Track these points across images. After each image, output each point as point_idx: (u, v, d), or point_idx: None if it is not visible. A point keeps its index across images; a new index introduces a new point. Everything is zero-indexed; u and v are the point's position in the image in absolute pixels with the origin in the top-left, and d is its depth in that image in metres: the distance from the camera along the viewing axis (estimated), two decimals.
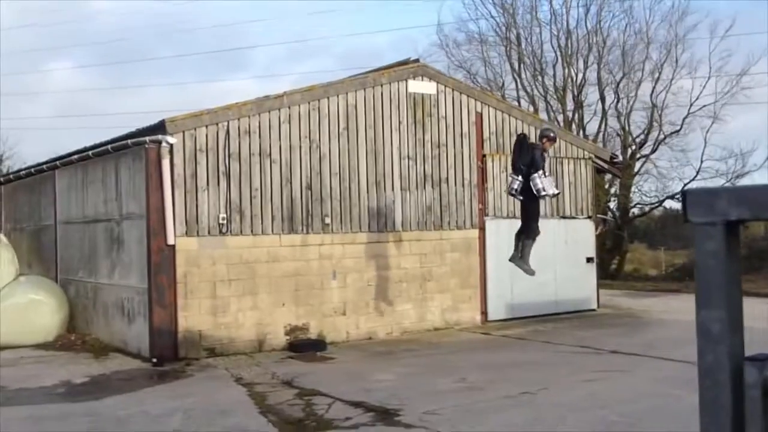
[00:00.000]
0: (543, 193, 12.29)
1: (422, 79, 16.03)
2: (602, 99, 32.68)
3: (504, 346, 14.06)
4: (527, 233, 12.93)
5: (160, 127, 12.96)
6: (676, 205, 35.05)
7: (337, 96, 14.87)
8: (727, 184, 26.03)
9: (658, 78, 31.60)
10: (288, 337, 14.04)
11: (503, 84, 34.44)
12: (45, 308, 15.22)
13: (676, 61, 31.21)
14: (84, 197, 15.85)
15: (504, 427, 8.19)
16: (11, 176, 21.21)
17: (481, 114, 16.90)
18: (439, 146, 16.18)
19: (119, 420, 8.93)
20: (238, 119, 13.70)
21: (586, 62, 32.90)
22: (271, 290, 13.93)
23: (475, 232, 16.69)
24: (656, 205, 35.09)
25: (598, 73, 32.49)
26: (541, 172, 12.21)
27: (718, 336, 1.55)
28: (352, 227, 14.91)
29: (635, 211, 35.37)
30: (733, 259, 1.58)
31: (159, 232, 12.86)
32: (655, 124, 32.16)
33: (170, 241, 12.89)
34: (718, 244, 1.57)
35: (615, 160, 20.56)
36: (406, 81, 15.80)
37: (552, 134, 12.92)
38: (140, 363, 12.82)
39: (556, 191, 12.86)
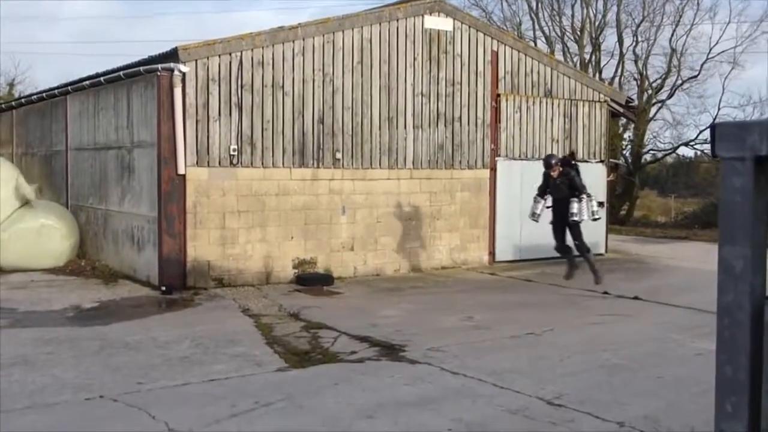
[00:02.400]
0: (575, 219, 12.46)
1: (438, 15, 15.75)
2: (620, 42, 32.17)
3: (510, 287, 14.12)
4: (581, 251, 12.95)
5: (172, 55, 12.82)
6: (689, 152, 34.81)
7: (352, 29, 14.64)
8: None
9: (679, 21, 31.02)
10: (295, 271, 14.12)
11: (520, 23, 33.88)
12: (56, 233, 15.31)
13: (698, 4, 30.64)
14: (95, 124, 15.79)
15: (508, 365, 8.25)
16: (23, 101, 21.11)
17: (497, 53, 16.64)
18: (453, 84, 15.99)
19: (127, 345, 9.04)
20: (252, 50, 13.52)
21: (605, 3, 32.27)
22: (280, 223, 13.96)
23: (486, 173, 16.61)
24: (670, 152, 34.85)
25: (618, 14, 31.91)
26: (584, 196, 12.47)
27: (740, 274, 1.52)
28: (363, 163, 14.84)
29: (647, 157, 35.13)
30: (761, 196, 1.53)
31: (170, 161, 12.84)
32: (673, 69, 31.72)
33: (181, 170, 12.88)
34: (746, 180, 1.52)
35: (630, 105, 20.29)
36: (423, 16, 15.52)
37: (553, 161, 12.88)
38: (149, 291, 12.94)
39: (593, 217, 12.78)
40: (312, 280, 13.75)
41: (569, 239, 12.96)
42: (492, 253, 16.77)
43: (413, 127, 15.45)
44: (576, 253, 13.01)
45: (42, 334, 9.56)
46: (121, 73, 13.95)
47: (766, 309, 1.47)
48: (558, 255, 13.33)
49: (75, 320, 10.63)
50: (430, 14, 15.63)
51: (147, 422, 6.31)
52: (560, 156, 13.58)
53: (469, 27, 16.26)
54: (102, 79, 14.75)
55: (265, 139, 13.73)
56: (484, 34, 16.56)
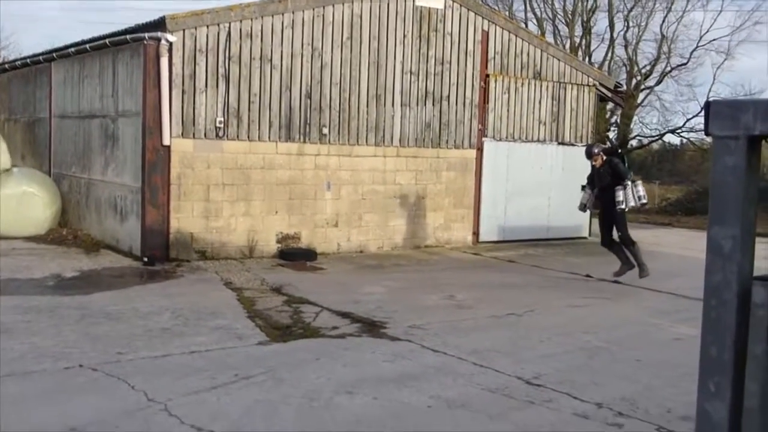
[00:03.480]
0: (621, 207, 12.14)
1: None
2: (611, 26, 32.17)
3: (494, 268, 14.16)
4: (626, 244, 12.65)
5: (159, 24, 12.68)
6: (675, 140, 34.95)
7: (343, 4, 14.52)
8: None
9: (670, 8, 31.02)
10: (279, 245, 14.09)
11: (511, 3, 33.77)
12: (38, 201, 15.18)
13: None
14: (80, 92, 15.62)
15: (489, 344, 8.29)
16: (6, 66, 20.83)
17: (488, 33, 16.57)
18: (442, 63, 15.92)
19: (108, 315, 9.00)
20: (240, 21, 13.39)
21: None
22: (264, 197, 13.90)
23: (473, 153, 16.59)
24: (656, 138, 34.97)
25: None
26: (628, 183, 12.16)
27: (729, 254, 1.51)
28: (350, 139, 14.78)
29: (634, 143, 35.25)
30: (753, 176, 1.52)
31: (155, 132, 12.73)
32: (663, 55, 31.77)
33: (166, 141, 12.78)
34: (739, 159, 1.51)
35: (619, 90, 20.31)
36: None
37: (595, 150, 12.70)
38: (131, 261, 12.87)
39: (639, 203, 12.38)
40: (295, 255, 13.73)
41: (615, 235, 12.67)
42: (476, 233, 16.80)
43: (401, 105, 15.39)
44: (625, 249, 12.71)
45: (22, 302, 9.49)
46: (107, 40, 13.78)
47: (754, 290, 1.46)
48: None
49: (56, 289, 10.57)
50: None
51: (126, 392, 6.29)
52: (605, 145, 13.45)
53: (460, 6, 16.16)
54: (88, 46, 14.57)
55: (252, 112, 13.63)
56: (475, 13, 16.48)
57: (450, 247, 16.17)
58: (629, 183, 12.18)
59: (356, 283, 11.93)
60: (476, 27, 16.38)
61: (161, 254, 12.85)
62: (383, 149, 15.24)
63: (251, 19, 13.50)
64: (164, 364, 7.19)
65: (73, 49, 15.36)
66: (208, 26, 13.07)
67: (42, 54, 17.34)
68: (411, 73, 15.48)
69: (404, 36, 15.33)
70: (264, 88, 13.73)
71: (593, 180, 12.71)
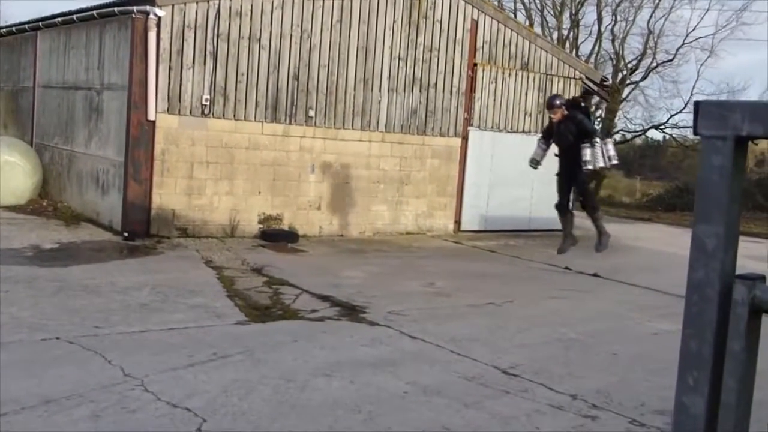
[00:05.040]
0: (588, 167, 10.64)
1: None
2: (599, 20, 32.21)
3: (474, 257, 14.22)
4: (588, 210, 11.55)
5: None
6: (657, 135, 35.16)
7: None
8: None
9: (658, 4, 31.13)
10: (261, 226, 14.06)
11: None
12: (18, 170, 15.05)
13: None
14: (65, 62, 15.46)
15: (467, 332, 8.34)
16: None
17: (477, 21, 16.56)
18: (431, 50, 15.90)
19: (86, 288, 8.96)
20: None
21: None
22: (248, 177, 13.86)
23: (458, 141, 16.61)
24: (639, 133, 35.15)
25: None
26: (597, 140, 10.56)
27: (712, 251, 1.54)
28: (336, 123, 14.75)
29: (617, 137, 35.38)
30: (738, 176, 1.55)
31: (140, 106, 12.64)
32: (649, 51, 31.88)
33: (151, 116, 12.69)
34: (725, 159, 1.54)
35: (605, 84, 20.38)
36: None
37: (556, 102, 10.98)
38: (111, 236, 12.81)
39: (609, 163, 10.86)
40: (277, 237, 13.71)
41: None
42: (458, 222, 16.85)
43: (388, 90, 15.37)
44: (586, 228, 11.38)
45: None
46: (94, 12, 13.65)
47: (735, 287, 1.49)
48: (557, 215, 11.76)
49: (34, 260, 10.50)
50: None
51: (103, 366, 6.29)
52: (568, 97, 11.55)
53: None
54: (75, 17, 14.42)
55: (239, 91, 13.56)
56: (465, 1, 16.44)
57: (431, 234, 16.21)
58: (598, 140, 10.57)
59: (337, 266, 11.95)
60: (466, 15, 16.36)
61: (142, 230, 12.79)
62: (369, 134, 15.23)
63: None
64: (141, 339, 7.19)
65: (59, 19, 15.20)
66: (197, 2, 12.97)
67: (28, 23, 17.13)
68: (399, 58, 15.46)
69: (394, 21, 15.29)
70: (252, 68, 13.66)
71: (550, 135, 11.13)
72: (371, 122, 15.23)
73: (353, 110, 14.95)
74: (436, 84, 16.06)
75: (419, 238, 15.74)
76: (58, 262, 10.43)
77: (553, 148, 11.23)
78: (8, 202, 14.67)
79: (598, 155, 10.49)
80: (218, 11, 13.19)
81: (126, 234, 12.58)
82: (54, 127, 15.96)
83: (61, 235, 12.50)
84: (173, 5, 12.72)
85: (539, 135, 11.52)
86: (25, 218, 13.79)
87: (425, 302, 9.87)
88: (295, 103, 14.19)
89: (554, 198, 11.53)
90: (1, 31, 19.40)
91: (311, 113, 14.38)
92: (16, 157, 15.16)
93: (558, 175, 11.29)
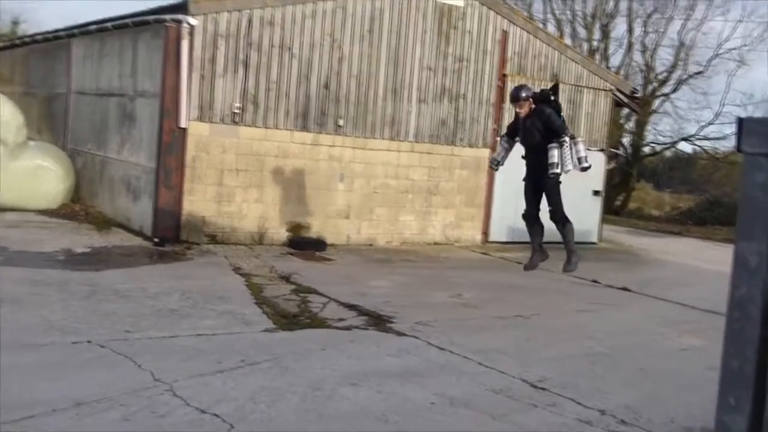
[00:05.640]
0: (555, 171, 9.19)
1: None
2: (630, 31, 32.06)
3: (501, 268, 14.17)
4: (557, 221, 10.00)
5: (182, 7, 12.71)
6: (687, 148, 34.84)
7: None
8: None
9: (690, 15, 30.91)
10: (289, 234, 14.12)
11: (531, 3, 33.67)
12: (52, 175, 15.26)
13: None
14: (99, 69, 15.67)
15: (494, 345, 8.31)
16: (27, 39, 20.91)
17: (507, 32, 16.55)
18: (460, 61, 15.91)
19: (117, 293, 9.05)
20: (262, 8, 13.41)
21: None
22: (277, 185, 13.94)
23: (486, 152, 16.55)
24: (669, 145, 34.85)
25: (630, 3, 31.74)
26: (566, 139, 9.14)
27: (755, 269, 1.53)
28: (365, 132, 14.80)
29: (646, 149, 35.13)
30: None
31: (172, 114, 12.78)
32: (680, 62, 31.64)
33: (182, 123, 12.82)
34: None
35: (635, 95, 20.25)
36: None
37: (522, 94, 9.35)
38: (141, 241, 12.93)
39: (579, 166, 9.28)
40: (305, 245, 13.76)
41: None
42: (485, 233, 16.80)
43: (417, 101, 15.39)
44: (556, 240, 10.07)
45: (32, 275, 9.56)
46: (129, 20, 13.83)
47: None
48: (528, 228, 10.46)
49: (66, 263, 10.63)
50: None
51: (133, 370, 6.35)
52: (537, 89, 9.78)
53: (481, 4, 16.14)
54: (109, 24, 14.61)
55: (269, 99, 13.67)
56: (495, 12, 16.46)
57: (459, 245, 16.18)
58: (567, 140, 9.14)
59: (365, 276, 11.96)
60: (496, 26, 16.36)
61: (172, 235, 12.90)
62: (397, 144, 15.26)
63: (273, 7, 13.52)
64: (171, 344, 7.25)
65: (94, 27, 15.42)
66: (230, 11, 13.10)
67: (63, 30, 17.39)
68: (429, 69, 15.48)
69: (424, 32, 15.33)
70: (282, 77, 13.75)
71: (515, 132, 9.75)
72: (400, 132, 15.26)
73: (382, 120, 14.99)
74: (465, 94, 16.06)
75: (447, 248, 15.71)
76: (89, 266, 10.55)
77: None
78: (42, 206, 14.87)
79: (566, 157, 9.17)
80: (250, 20, 13.31)
81: (156, 240, 12.70)
82: (87, 132, 16.17)
83: (93, 239, 12.64)
84: (206, 14, 12.86)
85: (503, 133, 10.24)
86: (57, 222, 13.97)
87: (452, 313, 9.85)
88: (324, 112, 14.26)
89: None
90: (37, 37, 19.73)
91: (341, 122, 14.44)
92: (50, 162, 15.37)
93: (525, 180, 9.97)
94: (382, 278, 11.87)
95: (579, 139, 9.46)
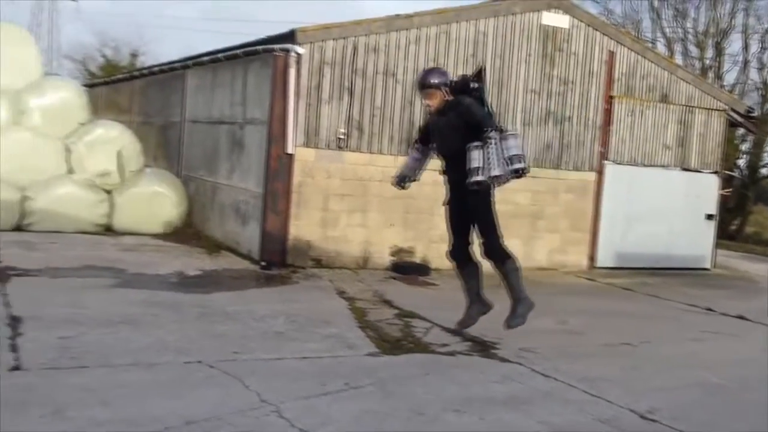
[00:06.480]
0: (476, 179, 7.13)
1: (556, 12, 15.47)
2: (746, 48, 30.87)
3: (608, 295, 13.82)
4: (493, 257, 7.78)
5: (289, 36, 13.08)
6: None
7: (467, 22, 14.57)
8: None
9: None
10: (392, 258, 14.20)
11: (640, 21, 32.94)
12: (166, 201, 15.93)
13: None
14: (211, 98, 16.28)
15: (600, 373, 8.10)
16: (145, 71, 21.96)
17: (614, 53, 16.24)
18: (566, 83, 15.71)
19: (226, 315, 9.32)
20: (367, 36, 13.65)
21: (733, 6, 30.96)
22: (381, 210, 14.07)
23: (593, 176, 16.26)
24: None
25: (746, 19, 30.60)
26: (491, 136, 7.15)
27: None
28: None
29: (765, 171, 33.63)
30: None
31: (279, 140, 13.12)
32: None
33: (289, 149, 13.14)
34: None
35: (751, 115, 19.47)
36: (540, 12, 15.29)
37: (432, 81, 7.50)
38: (249, 264, 13.28)
39: (510, 169, 7.32)
40: (408, 269, 13.81)
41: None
42: (592, 258, 16.44)
43: (522, 124, 15.27)
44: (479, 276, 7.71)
45: (148, 297, 9.97)
46: (239, 51, 14.34)
47: None
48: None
49: (179, 286, 11.03)
50: (548, 10, 15.37)
51: (240, 391, 6.51)
52: (456, 75, 7.97)
53: (587, 25, 15.92)
54: (221, 56, 15.19)
55: (374, 125, 13.85)
56: (602, 33, 16.19)
57: (564, 271, 15.88)
58: (492, 135, 7.19)
59: None
60: (602, 47, 16.08)
61: (278, 259, 13.20)
62: None
63: (377, 34, 13.73)
64: (277, 366, 7.40)
65: (207, 58, 16.05)
66: (335, 39, 13.39)
67: (179, 61, 18.19)
68: (534, 92, 15.35)
69: (528, 55, 15.23)
70: (386, 102, 13.93)
71: (426, 134, 7.83)
72: None
73: None
74: (571, 117, 15.82)
75: (552, 274, 15.44)
76: (200, 289, 10.91)
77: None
78: (156, 230, 15.52)
79: (492, 159, 7.11)
80: (355, 47, 13.56)
81: (263, 263, 13.02)
82: (199, 159, 16.80)
83: (204, 262, 13.07)
84: (312, 43, 13.19)
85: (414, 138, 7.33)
86: (171, 246, 14.52)
87: (558, 340, 9.67)
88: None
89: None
90: (153, 69, 20.70)
91: None
92: (165, 188, 16.05)
93: (447, 203, 7.89)
94: None
95: (510, 132, 7.53)
